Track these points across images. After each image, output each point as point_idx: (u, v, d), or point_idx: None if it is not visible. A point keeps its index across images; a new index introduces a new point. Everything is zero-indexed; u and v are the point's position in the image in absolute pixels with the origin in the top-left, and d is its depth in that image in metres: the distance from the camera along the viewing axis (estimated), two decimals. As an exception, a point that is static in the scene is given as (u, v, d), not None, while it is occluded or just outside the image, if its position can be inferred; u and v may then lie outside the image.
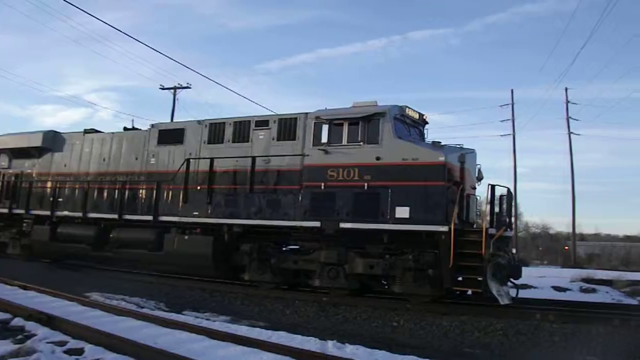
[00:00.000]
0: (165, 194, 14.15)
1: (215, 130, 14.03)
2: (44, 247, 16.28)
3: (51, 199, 16.34)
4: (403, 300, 11.43)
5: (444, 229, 10.67)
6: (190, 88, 36.05)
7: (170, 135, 14.77)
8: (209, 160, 13.39)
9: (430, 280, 11.02)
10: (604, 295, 15.64)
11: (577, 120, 37.87)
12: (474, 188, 12.06)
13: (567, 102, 38.68)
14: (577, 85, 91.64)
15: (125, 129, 16.57)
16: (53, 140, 17.23)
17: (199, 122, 14.43)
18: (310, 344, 7.60)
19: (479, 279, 10.43)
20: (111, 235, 14.72)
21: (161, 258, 13.73)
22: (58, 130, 17.63)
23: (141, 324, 8.18)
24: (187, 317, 9.53)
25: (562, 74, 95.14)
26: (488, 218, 10.99)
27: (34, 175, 17.45)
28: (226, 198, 13.16)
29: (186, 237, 13.43)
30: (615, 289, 16.52)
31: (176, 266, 13.77)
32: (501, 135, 45.56)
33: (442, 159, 11.03)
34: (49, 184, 16.80)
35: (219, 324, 8.92)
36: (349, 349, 7.48)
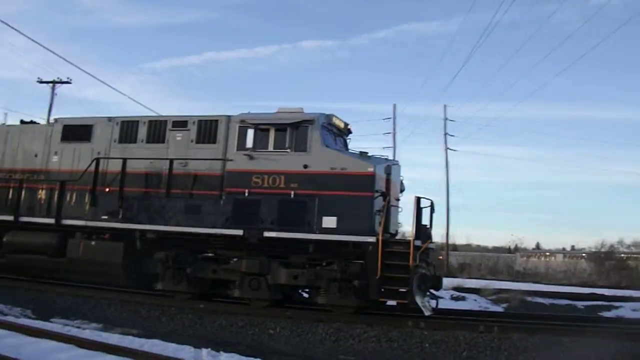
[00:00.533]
0: (69, 196, 12.93)
1: (128, 129, 13.05)
2: None
3: None
4: (283, 308, 11.44)
5: (372, 239, 10.62)
6: (70, 83, 33.48)
7: (77, 132, 13.54)
8: (121, 161, 12.41)
9: (355, 291, 10.90)
10: (472, 303, 16.34)
11: (453, 136, 40.07)
12: (398, 200, 12.13)
13: (445, 118, 39.99)
14: (456, 103, 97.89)
15: (22, 122, 15.03)
16: None
17: (109, 119, 13.36)
18: (184, 352, 7.59)
19: (404, 290, 10.47)
20: (4, 239, 13.20)
21: (64, 265, 12.50)
22: None
23: (4, 333, 7.73)
24: (55, 325, 9.13)
25: (442, 91, 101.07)
26: (414, 230, 11.04)
27: None
28: (139, 202, 12.26)
29: (93, 242, 12.34)
30: (482, 296, 17.33)
31: (81, 274, 12.59)
32: (383, 148, 45.92)
33: (371, 169, 10.98)
34: None
35: (90, 332, 8.69)
36: (224, 357, 7.56)
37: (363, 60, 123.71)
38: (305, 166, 11.22)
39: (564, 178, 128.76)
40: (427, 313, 10.45)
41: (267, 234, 11.16)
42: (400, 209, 12.38)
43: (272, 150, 11.55)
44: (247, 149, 11.61)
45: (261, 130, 11.68)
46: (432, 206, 11.56)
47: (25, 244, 12.83)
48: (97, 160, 12.62)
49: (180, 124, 12.66)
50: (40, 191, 13.40)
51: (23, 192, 13.36)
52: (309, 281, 11.13)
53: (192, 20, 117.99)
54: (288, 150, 11.45)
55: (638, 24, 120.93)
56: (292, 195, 11.18)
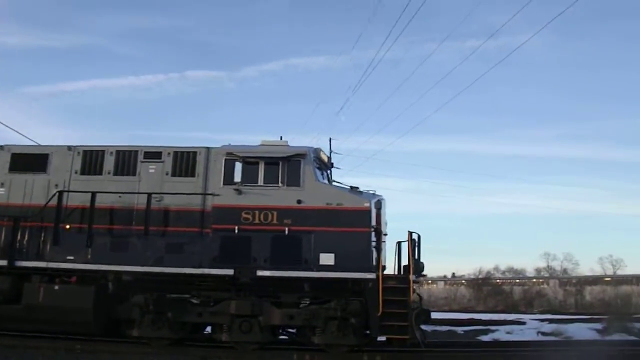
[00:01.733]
0: (24, 233, 11.48)
1: (91, 159, 11.92)
2: None
3: None
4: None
5: (372, 276, 10.52)
6: None
7: (29, 161, 12.10)
8: (84, 195, 11.28)
9: (354, 329, 10.67)
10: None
11: (339, 168, 41.42)
12: (386, 234, 12.07)
13: (331, 151, 41.34)
14: (341, 136, 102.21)
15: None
16: None
17: (69, 147, 12.13)
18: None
19: (404, 325, 10.43)
20: None
21: (19, 313, 11.02)
22: None
23: None
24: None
25: (328, 125, 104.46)
26: (411, 265, 11.04)
27: None
28: (112, 240, 11.19)
29: (56, 287, 11.01)
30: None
31: (41, 323, 11.11)
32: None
33: (367, 204, 10.91)
34: None
35: None
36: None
37: (251, 91, 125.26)
38: (299, 201, 10.90)
39: (443, 208, 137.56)
40: (423, 347, 10.51)
41: (260, 272, 10.64)
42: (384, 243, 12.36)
43: (263, 184, 11.09)
44: (235, 183, 11.06)
45: (249, 163, 11.20)
46: (419, 240, 11.66)
47: None
48: (60, 193, 11.37)
49: (154, 155, 11.79)
50: None
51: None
52: (305, 320, 10.72)
53: (74, 45, 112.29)
54: (280, 185, 11.06)
55: (509, 64, 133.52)
56: (286, 232, 10.77)
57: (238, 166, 11.18)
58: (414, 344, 10.60)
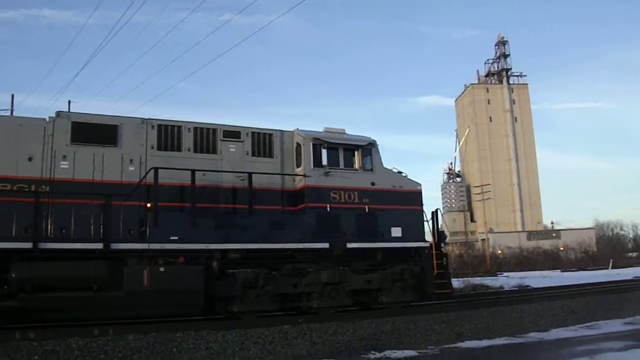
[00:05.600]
0: (115, 213, 10.47)
1: (168, 135, 11.55)
2: None
3: None
4: None
5: (427, 245, 13.28)
6: None
7: (95, 132, 10.94)
8: (189, 173, 11.02)
9: (414, 288, 13.24)
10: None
11: None
12: None
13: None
14: (81, 99, 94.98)
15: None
16: None
17: (142, 120, 11.36)
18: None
19: (446, 281, 13.56)
20: (13, 275, 9.59)
21: (121, 300, 10.19)
22: None
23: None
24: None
25: (65, 86, 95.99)
26: (447, 233, 14.12)
27: None
28: (216, 219, 11.21)
29: (162, 269, 10.55)
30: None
31: (145, 308, 10.47)
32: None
33: (420, 187, 13.56)
34: None
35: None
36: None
37: None
38: (373, 184, 12.87)
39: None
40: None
41: (349, 245, 12.30)
42: None
43: (343, 168, 12.65)
44: (323, 167, 12.35)
45: (332, 149, 12.59)
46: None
47: (54, 279, 9.77)
48: (156, 170, 10.76)
49: (233, 134, 12.13)
50: (62, 208, 10.26)
51: (37, 210, 9.94)
52: (380, 284, 12.82)
53: None
54: (357, 169, 12.80)
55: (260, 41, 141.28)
56: (366, 210, 12.64)
57: (324, 151, 12.45)
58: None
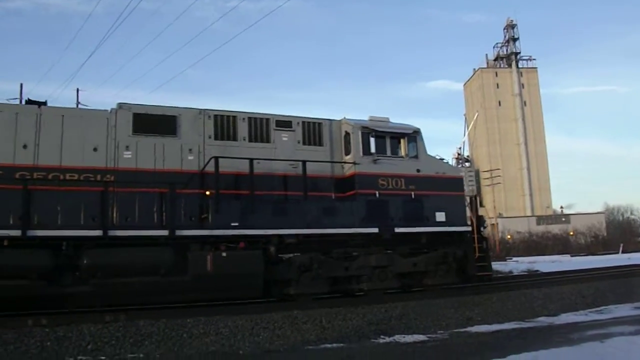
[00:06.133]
0: (178, 201, 10.89)
1: (224, 124, 11.94)
2: None
3: None
4: None
5: (469, 229, 13.68)
6: None
7: (155, 123, 11.34)
8: (247, 161, 11.43)
9: (456, 271, 13.68)
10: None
11: None
12: None
13: (78, 102, 36.33)
14: (89, 87, 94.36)
15: (31, 102, 11.06)
16: None
17: (199, 111, 11.74)
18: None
19: (486, 264, 14.00)
20: (85, 262, 10.05)
21: (186, 284, 10.65)
22: None
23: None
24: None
25: (74, 74, 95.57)
26: (486, 219, 14.52)
27: None
28: (273, 205, 11.63)
29: (224, 254, 10.99)
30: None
31: (209, 291, 10.93)
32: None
33: (462, 174, 13.95)
34: None
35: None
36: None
37: None
38: (418, 170, 13.26)
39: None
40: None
41: (397, 229, 12.72)
42: None
43: (390, 155, 13.02)
44: (372, 154, 12.72)
45: (379, 137, 12.96)
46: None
47: (123, 265, 10.23)
48: (217, 159, 11.16)
49: (285, 123, 12.51)
50: (126, 196, 10.68)
51: (105, 198, 10.40)
52: (426, 266, 13.26)
53: None
54: (403, 156, 13.17)
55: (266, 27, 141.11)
56: (412, 196, 13.04)
57: (372, 140, 12.81)
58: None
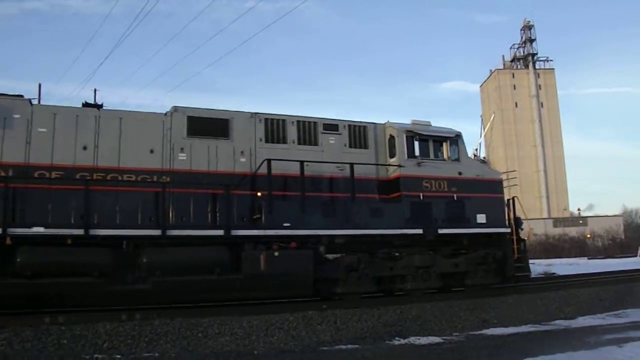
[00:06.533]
0: (233, 202, 11.27)
1: (274, 128, 12.32)
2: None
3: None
4: None
5: (508, 230, 13.93)
6: None
7: (208, 126, 11.74)
8: (295, 163, 11.78)
9: (495, 271, 13.92)
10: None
11: None
12: None
13: (96, 104, 38.40)
14: (106, 87, 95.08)
15: (87, 104, 11.47)
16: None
17: (251, 114, 12.12)
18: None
19: (523, 265, 14.24)
20: (144, 260, 10.45)
21: (239, 283, 11.01)
22: None
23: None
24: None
25: (91, 75, 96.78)
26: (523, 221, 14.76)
27: None
28: (322, 206, 11.96)
29: (276, 253, 11.34)
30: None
31: (262, 290, 11.28)
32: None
33: (501, 176, 14.18)
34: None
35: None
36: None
37: (8, 30, 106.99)
38: (460, 173, 13.53)
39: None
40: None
41: (440, 231, 13.00)
42: None
43: (433, 158, 13.31)
44: (416, 157, 13.02)
45: (423, 141, 13.25)
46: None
47: (181, 263, 10.60)
48: (269, 161, 11.52)
49: (332, 127, 12.87)
50: (180, 197, 11.07)
51: (160, 198, 10.79)
52: (466, 267, 13.52)
53: None
54: (445, 159, 13.46)
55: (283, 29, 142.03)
56: (454, 198, 13.32)
57: (416, 143, 13.12)
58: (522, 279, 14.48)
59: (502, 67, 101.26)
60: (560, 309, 12.58)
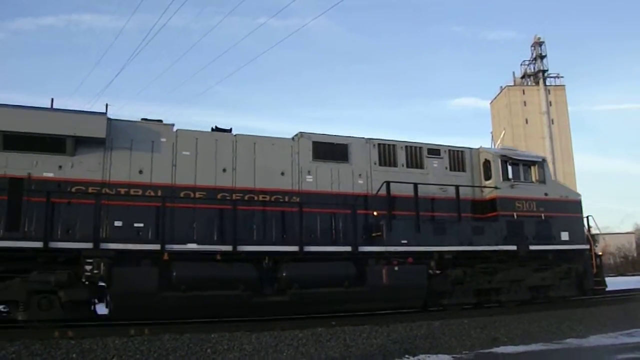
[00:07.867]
0: (357, 221, 12.50)
1: (386, 152, 13.63)
2: (144, 301, 10.42)
3: (154, 224, 10.91)
4: None
5: (588, 246, 15.19)
6: None
7: (331, 151, 13.03)
8: (406, 185, 13.06)
9: (575, 284, 15.15)
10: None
11: None
12: None
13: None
14: (118, 102, 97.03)
15: (218, 129, 12.70)
16: (105, 129, 11.19)
17: (366, 140, 13.43)
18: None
19: (600, 279, 15.48)
20: (284, 274, 11.58)
21: (364, 294, 12.16)
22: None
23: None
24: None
25: (103, 89, 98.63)
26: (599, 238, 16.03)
27: (62, 181, 10.78)
28: (432, 225, 13.20)
29: (396, 268, 12.55)
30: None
31: (382, 301, 12.48)
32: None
33: (580, 198, 15.47)
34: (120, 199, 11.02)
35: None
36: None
37: (24, 45, 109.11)
38: (546, 194, 14.81)
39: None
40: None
41: (531, 247, 14.23)
42: None
43: (523, 181, 14.60)
44: (510, 180, 14.32)
45: (514, 164, 14.56)
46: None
47: (316, 277, 11.75)
48: (388, 183, 12.79)
49: (435, 152, 14.16)
50: (307, 215, 12.23)
51: (294, 217, 11.99)
52: (552, 281, 14.74)
53: None
54: (534, 181, 14.75)
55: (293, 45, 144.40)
56: (542, 217, 14.57)
57: (509, 167, 14.42)
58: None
59: (512, 83, 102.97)
60: (571, 327, 12.90)
